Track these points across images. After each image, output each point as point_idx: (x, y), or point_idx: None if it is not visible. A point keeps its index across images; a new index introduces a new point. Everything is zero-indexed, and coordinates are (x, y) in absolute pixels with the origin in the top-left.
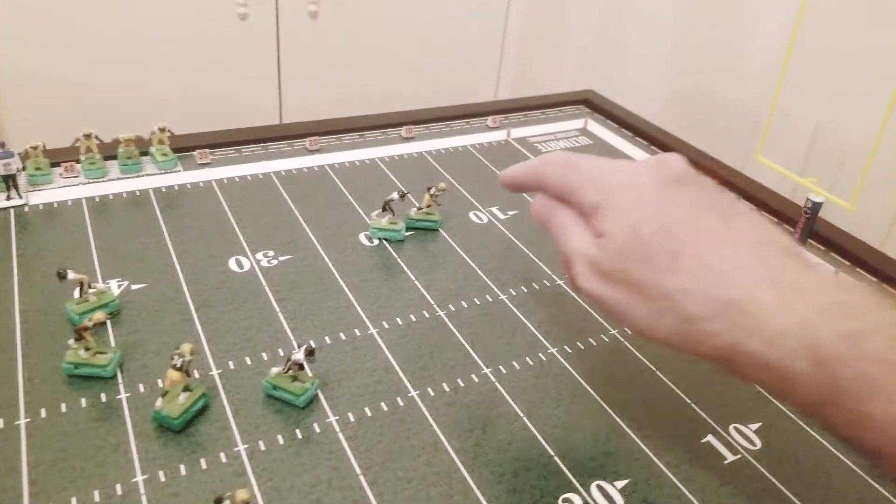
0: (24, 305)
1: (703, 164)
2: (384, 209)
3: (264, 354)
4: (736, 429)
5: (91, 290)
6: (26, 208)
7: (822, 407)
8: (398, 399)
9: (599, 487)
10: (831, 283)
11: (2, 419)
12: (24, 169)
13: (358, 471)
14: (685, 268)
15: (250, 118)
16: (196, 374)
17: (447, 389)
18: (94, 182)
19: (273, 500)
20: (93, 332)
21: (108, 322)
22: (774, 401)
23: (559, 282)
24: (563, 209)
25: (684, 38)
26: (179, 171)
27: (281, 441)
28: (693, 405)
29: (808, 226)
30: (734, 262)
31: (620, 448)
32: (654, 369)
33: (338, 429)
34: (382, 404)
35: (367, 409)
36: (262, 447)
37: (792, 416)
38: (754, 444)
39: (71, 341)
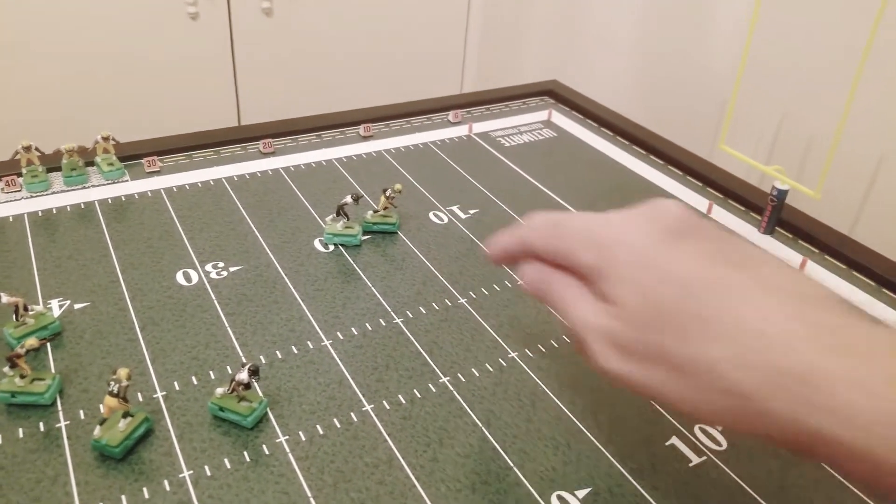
0: None
1: (668, 152)
2: (338, 213)
3: (212, 373)
4: (701, 429)
5: (29, 313)
6: None
7: None
8: (352, 414)
9: (560, 498)
10: None
11: None
12: None
13: (308, 493)
14: (721, 333)
15: (208, 122)
16: (139, 398)
17: (403, 402)
18: (37, 196)
19: None
20: (29, 358)
21: (49, 345)
22: None
23: (521, 282)
24: (560, 276)
25: (650, 25)
26: (127, 180)
27: (228, 465)
28: (657, 406)
29: (775, 214)
30: (777, 321)
31: (582, 455)
32: None
33: (288, 449)
34: (335, 421)
35: (318, 427)
36: (208, 472)
37: None
38: (720, 445)
39: (6, 368)
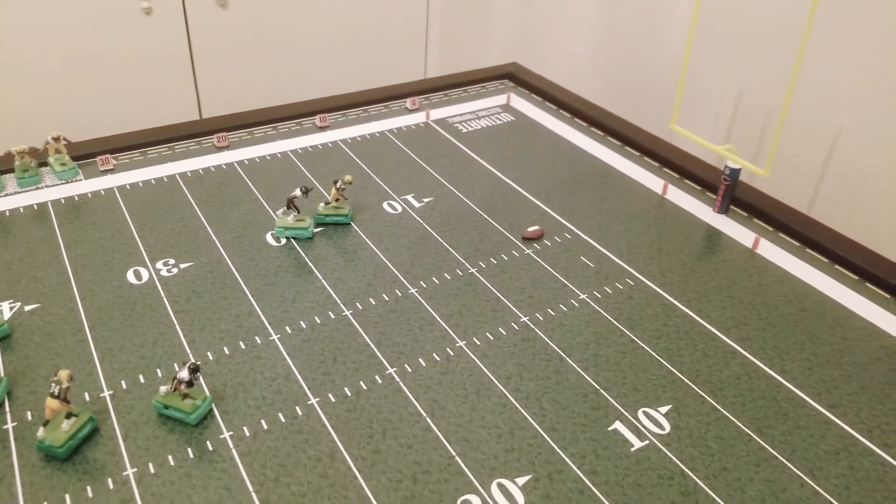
0: None
1: (626, 133)
2: (289, 207)
3: (159, 371)
4: (645, 413)
5: None
6: None
7: None
8: (297, 408)
9: (500, 486)
10: None
11: None
12: None
13: (250, 488)
14: None
15: (167, 117)
16: (86, 398)
17: (349, 394)
18: None
19: None
20: None
21: None
22: (686, 380)
23: (472, 270)
24: None
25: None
26: (81, 179)
27: (172, 462)
28: (602, 391)
29: (729, 193)
30: None
31: (524, 443)
32: (564, 356)
33: (231, 445)
34: (280, 415)
35: (263, 422)
36: (152, 470)
37: (703, 395)
38: (663, 429)
39: None
